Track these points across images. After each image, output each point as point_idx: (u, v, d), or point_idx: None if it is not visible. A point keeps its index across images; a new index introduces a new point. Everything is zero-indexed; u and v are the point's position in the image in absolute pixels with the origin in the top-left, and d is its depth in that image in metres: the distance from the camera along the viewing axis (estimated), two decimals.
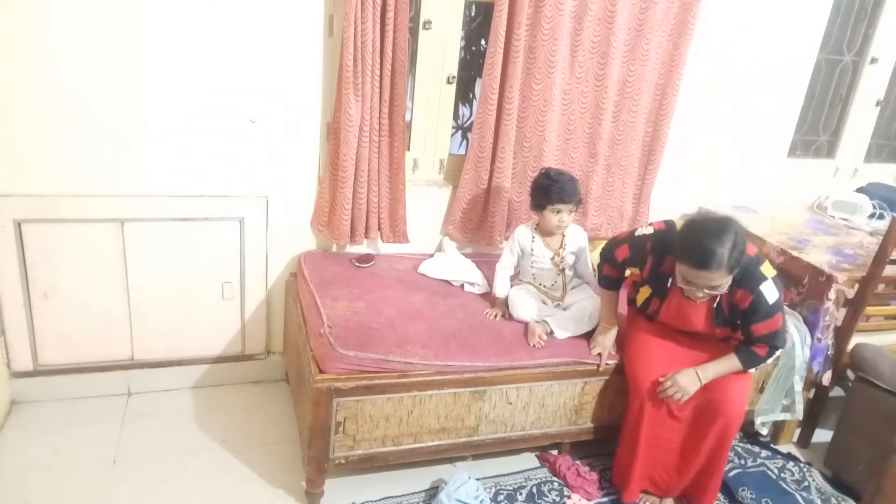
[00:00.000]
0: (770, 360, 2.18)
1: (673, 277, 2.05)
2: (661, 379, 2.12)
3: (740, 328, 2.10)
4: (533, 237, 2.40)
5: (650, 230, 2.14)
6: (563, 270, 2.42)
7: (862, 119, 3.44)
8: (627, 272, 2.29)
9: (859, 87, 3.36)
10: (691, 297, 2.04)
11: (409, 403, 2.07)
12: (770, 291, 1.99)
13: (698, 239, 1.87)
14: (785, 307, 2.45)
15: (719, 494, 2.35)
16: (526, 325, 2.31)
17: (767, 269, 2.02)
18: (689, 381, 2.09)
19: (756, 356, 2.11)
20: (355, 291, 2.36)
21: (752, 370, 2.17)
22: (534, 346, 2.21)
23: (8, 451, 2.23)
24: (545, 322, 2.30)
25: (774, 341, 2.07)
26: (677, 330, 2.21)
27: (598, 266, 2.34)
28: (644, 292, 2.23)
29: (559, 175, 2.31)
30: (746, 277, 1.97)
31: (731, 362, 2.12)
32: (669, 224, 2.10)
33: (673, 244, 1.99)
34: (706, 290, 1.95)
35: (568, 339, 2.29)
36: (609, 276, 2.29)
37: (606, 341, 2.27)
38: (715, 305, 2.08)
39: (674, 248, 1.98)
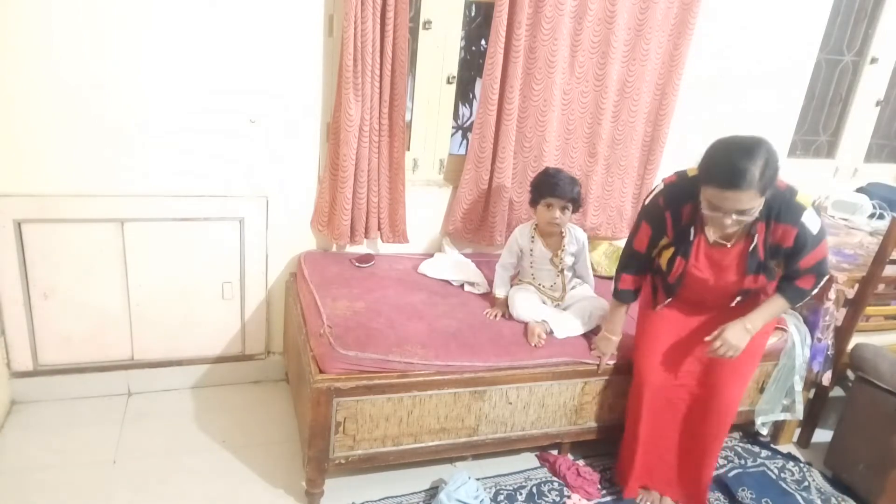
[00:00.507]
0: (815, 291, 2.02)
1: (695, 226, 1.95)
2: (706, 339, 2.02)
3: (784, 265, 1.97)
4: (532, 237, 2.40)
5: (660, 186, 2.03)
6: (562, 271, 2.42)
7: (862, 119, 3.44)
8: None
9: (859, 87, 3.37)
10: (717, 227, 1.87)
11: (409, 403, 2.07)
12: (812, 220, 1.86)
13: (727, 156, 1.73)
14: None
15: (719, 494, 2.36)
16: (525, 324, 2.31)
17: (804, 199, 1.87)
18: (738, 336, 1.98)
19: (802, 291, 1.99)
20: (355, 291, 2.36)
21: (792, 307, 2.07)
22: (534, 345, 2.21)
23: (8, 451, 2.23)
24: (545, 322, 2.30)
25: (821, 269, 1.95)
26: (694, 314, 2.13)
27: (615, 279, 2.22)
28: (666, 255, 2.05)
29: (556, 172, 2.33)
30: (785, 210, 1.85)
31: (776, 303, 2.01)
32: (680, 174, 1.98)
33: (688, 190, 1.88)
34: (735, 217, 1.77)
35: (568, 338, 2.29)
36: (626, 290, 2.19)
37: (607, 349, 2.25)
38: (750, 249, 1.92)
39: (690, 194, 1.88)
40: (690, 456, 2.21)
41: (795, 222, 1.85)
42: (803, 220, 1.85)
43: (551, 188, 2.28)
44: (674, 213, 1.98)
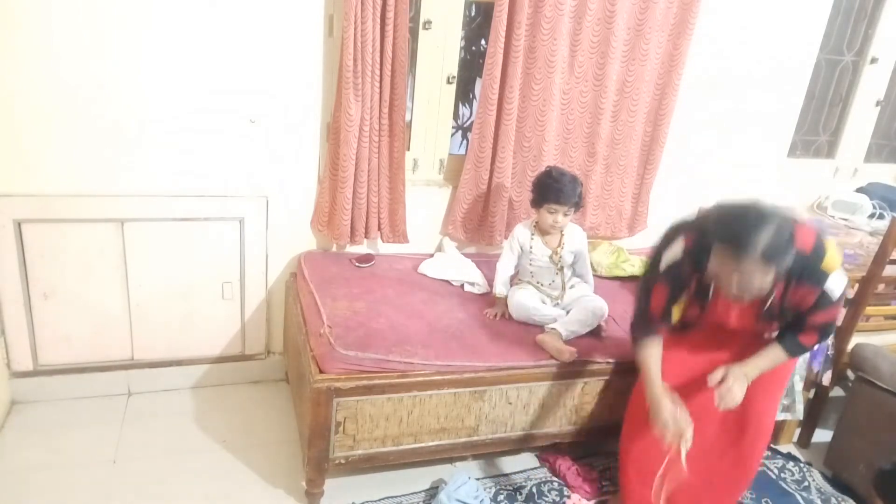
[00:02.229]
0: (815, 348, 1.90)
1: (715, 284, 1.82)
2: (711, 384, 1.87)
3: (794, 317, 1.86)
4: (532, 235, 2.40)
5: (678, 252, 1.83)
6: (561, 269, 2.42)
7: (862, 119, 3.44)
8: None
9: (859, 87, 3.37)
10: (731, 296, 1.77)
11: (409, 403, 2.07)
12: (837, 285, 1.76)
13: (736, 220, 1.63)
14: None
15: None
16: (543, 344, 2.22)
17: (832, 261, 1.74)
18: (741, 386, 1.85)
19: (802, 346, 1.91)
20: (355, 291, 2.36)
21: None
22: (570, 360, 2.16)
23: (8, 451, 2.23)
24: (553, 330, 2.26)
25: (827, 330, 1.88)
26: (710, 342, 2.00)
27: (633, 345, 2.01)
28: (680, 305, 1.95)
29: (561, 175, 2.31)
30: (809, 274, 1.74)
31: (774, 353, 1.91)
32: (695, 237, 1.80)
33: (708, 251, 1.70)
34: (737, 285, 1.68)
35: (569, 339, 2.28)
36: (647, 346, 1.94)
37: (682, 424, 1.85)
38: (765, 307, 1.83)
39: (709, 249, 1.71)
40: (721, 480, 2.05)
41: (818, 286, 1.76)
42: (828, 285, 1.75)
43: (556, 195, 2.26)
44: (699, 275, 1.85)
